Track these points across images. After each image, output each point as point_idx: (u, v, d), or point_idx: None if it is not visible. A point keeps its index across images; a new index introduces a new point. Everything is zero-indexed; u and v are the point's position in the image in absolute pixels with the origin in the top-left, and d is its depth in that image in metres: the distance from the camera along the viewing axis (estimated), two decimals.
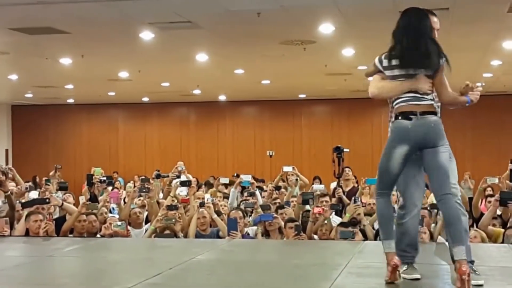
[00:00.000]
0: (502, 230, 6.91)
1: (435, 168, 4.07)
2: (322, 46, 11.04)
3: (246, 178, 9.44)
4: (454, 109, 4.41)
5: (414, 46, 4.07)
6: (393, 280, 4.08)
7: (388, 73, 4.17)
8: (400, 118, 4.09)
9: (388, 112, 4.40)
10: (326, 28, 9.71)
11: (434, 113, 4.11)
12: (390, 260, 4.08)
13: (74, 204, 8.07)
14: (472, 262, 4.07)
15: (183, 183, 8.38)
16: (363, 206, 8.30)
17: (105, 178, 9.13)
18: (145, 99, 21.22)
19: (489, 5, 8.57)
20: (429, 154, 4.07)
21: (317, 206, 7.26)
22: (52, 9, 8.49)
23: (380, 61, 4.20)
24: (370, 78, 4.36)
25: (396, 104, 4.15)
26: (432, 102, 4.14)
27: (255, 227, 7.25)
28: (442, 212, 4.11)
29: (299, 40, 10.69)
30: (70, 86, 17.49)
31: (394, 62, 4.12)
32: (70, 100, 21.67)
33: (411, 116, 4.04)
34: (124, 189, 13.79)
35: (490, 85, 17.07)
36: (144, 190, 8.17)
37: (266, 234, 7.03)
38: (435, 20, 4.25)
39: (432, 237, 6.46)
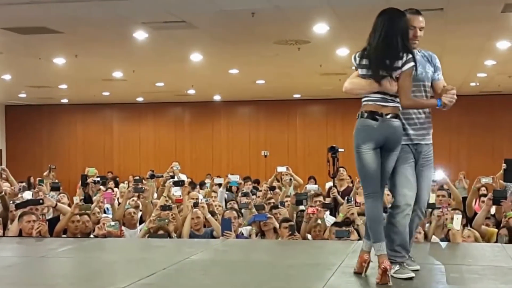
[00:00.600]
0: (496, 230, 6.92)
1: (383, 171, 4.22)
2: (316, 46, 11.05)
3: (234, 178, 9.53)
4: (445, 110, 4.37)
5: (383, 48, 4.12)
6: (383, 282, 4.08)
7: (360, 71, 4.25)
8: (366, 117, 4.18)
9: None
10: (321, 28, 9.72)
11: (399, 117, 4.18)
12: (381, 263, 4.09)
13: (68, 205, 8.05)
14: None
15: (176, 183, 8.37)
16: (357, 206, 8.30)
17: (99, 179, 9.11)
18: (140, 99, 21.19)
19: (483, 6, 8.59)
20: (383, 156, 4.20)
21: (311, 206, 7.26)
22: (45, 9, 8.48)
23: (355, 58, 4.29)
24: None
25: (364, 102, 4.24)
26: (399, 105, 4.18)
27: (249, 227, 7.25)
28: (372, 208, 4.21)
29: (293, 40, 10.70)
30: (64, 86, 17.46)
31: (364, 61, 4.20)
32: (64, 100, 21.63)
33: (377, 117, 4.14)
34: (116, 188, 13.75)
35: (484, 85, 17.10)
36: (139, 190, 8.16)
37: (261, 234, 7.03)
38: (419, 19, 4.29)
39: (426, 237, 6.46)
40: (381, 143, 4.16)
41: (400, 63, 4.10)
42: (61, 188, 9.86)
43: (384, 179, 4.27)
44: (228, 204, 8.72)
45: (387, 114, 4.14)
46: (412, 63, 4.13)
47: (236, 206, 8.16)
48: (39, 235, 6.42)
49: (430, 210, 7.09)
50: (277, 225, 6.95)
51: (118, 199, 10.42)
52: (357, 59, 4.25)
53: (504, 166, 8.08)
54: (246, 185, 11.91)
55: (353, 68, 4.36)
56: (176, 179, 9.24)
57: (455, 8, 8.61)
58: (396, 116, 4.17)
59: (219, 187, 10.25)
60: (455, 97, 4.27)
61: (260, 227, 7.05)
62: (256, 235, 7.09)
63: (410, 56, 4.13)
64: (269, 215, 7.07)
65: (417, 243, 6.12)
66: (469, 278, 4.50)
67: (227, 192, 10.96)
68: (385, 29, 4.14)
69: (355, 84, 4.27)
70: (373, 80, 4.14)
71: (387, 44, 4.11)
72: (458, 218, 6.12)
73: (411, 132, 4.35)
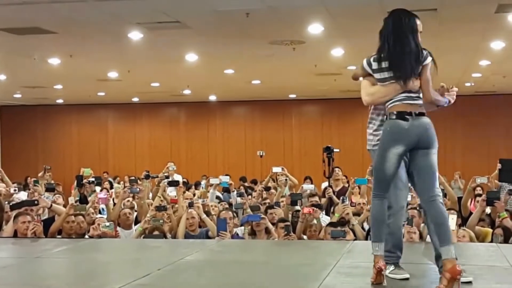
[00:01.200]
0: (491, 229, 6.94)
1: (426, 170, 4.09)
2: (311, 46, 11.05)
3: (225, 179, 9.57)
4: (431, 111, 4.36)
5: (402, 47, 4.07)
6: (378, 282, 4.08)
7: (377, 75, 4.16)
8: (395, 118, 4.07)
9: (369, 113, 4.43)
10: (315, 28, 9.72)
11: (426, 115, 4.13)
12: (376, 262, 4.09)
13: (64, 205, 8.03)
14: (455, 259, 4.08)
15: (170, 183, 8.37)
16: (352, 206, 8.31)
17: (94, 179, 9.10)
18: (135, 99, 21.16)
19: (476, 6, 8.59)
20: (420, 155, 4.09)
21: (307, 206, 7.27)
22: (39, 9, 8.45)
23: (369, 64, 4.20)
24: (361, 79, 4.34)
25: (390, 104, 4.14)
26: (422, 102, 4.14)
27: (242, 227, 7.25)
28: (430, 212, 4.08)
29: (288, 40, 10.69)
30: (59, 87, 17.41)
31: (383, 64, 4.12)
32: (59, 101, 21.57)
33: (407, 116, 4.04)
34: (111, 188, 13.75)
35: (479, 85, 17.12)
36: (135, 191, 8.15)
37: (253, 234, 7.03)
38: (418, 23, 4.26)
39: (421, 237, 6.46)
40: (414, 143, 4.06)
41: (419, 59, 4.08)
42: (56, 189, 9.86)
43: (422, 180, 4.13)
44: (220, 204, 8.73)
45: (416, 113, 4.07)
46: (430, 58, 4.11)
47: (227, 207, 8.16)
48: (34, 235, 6.41)
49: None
50: (270, 226, 6.96)
51: (113, 199, 10.41)
52: (374, 63, 4.16)
53: (499, 166, 8.13)
54: (241, 186, 11.92)
55: (366, 73, 4.24)
56: (170, 179, 9.25)
57: (449, 9, 8.61)
58: (425, 114, 4.10)
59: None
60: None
61: (252, 228, 7.06)
62: (249, 236, 7.10)
63: (426, 51, 4.12)
64: (262, 216, 7.06)
65: (412, 243, 6.15)
66: (463, 278, 4.43)
67: (223, 193, 10.99)
68: (401, 29, 4.12)
69: (377, 94, 4.17)
70: (395, 82, 4.08)
71: (406, 43, 4.08)
72: (453, 218, 6.12)
73: None
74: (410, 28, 4.12)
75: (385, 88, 4.12)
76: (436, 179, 4.10)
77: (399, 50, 4.07)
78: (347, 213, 7.09)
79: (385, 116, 4.23)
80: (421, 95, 4.13)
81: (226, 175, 10.68)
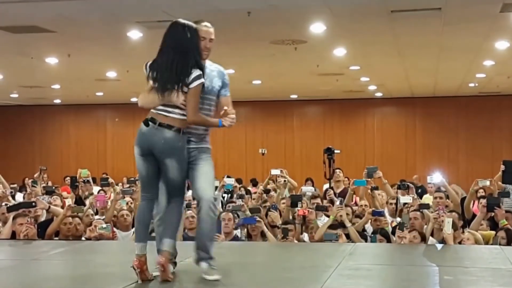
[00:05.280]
0: (493, 232, 6.91)
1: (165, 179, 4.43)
2: (313, 46, 10.99)
3: (229, 181, 9.47)
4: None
5: (171, 63, 4.25)
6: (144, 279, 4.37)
7: (150, 82, 4.36)
8: (143, 121, 4.38)
9: None
10: (317, 27, 9.66)
11: (172, 128, 4.31)
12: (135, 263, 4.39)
13: (62, 207, 7.98)
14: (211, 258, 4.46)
15: None
16: (355, 206, 8.25)
17: (89, 179, 9.03)
18: (134, 99, 21.05)
19: (481, 5, 8.55)
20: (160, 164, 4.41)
21: (304, 208, 7.26)
22: (37, 8, 8.40)
23: (146, 69, 4.40)
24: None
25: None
26: (178, 117, 4.31)
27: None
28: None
29: (290, 39, 10.63)
30: (56, 86, 17.36)
31: (154, 74, 4.32)
32: (57, 101, 21.51)
33: (149, 123, 4.33)
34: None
35: (483, 85, 17.07)
36: (127, 192, 8.08)
37: (249, 237, 6.97)
38: (210, 31, 4.46)
39: (423, 239, 6.40)
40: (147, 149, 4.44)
41: (185, 80, 4.25)
42: (55, 191, 9.77)
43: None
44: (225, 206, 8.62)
45: (160, 124, 4.33)
46: (199, 81, 4.29)
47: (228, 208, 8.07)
48: (27, 238, 6.35)
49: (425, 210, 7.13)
50: (265, 229, 6.90)
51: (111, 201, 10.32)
52: (147, 70, 4.36)
53: (502, 167, 8.10)
54: (240, 187, 11.82)
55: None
56: None
57: (453, 8, 8.56)
58: (170, 127, 4.32)
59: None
60: (235, 120, 4.55)
61: (248, 231, 7.00)
62: (245, 238, 7.05)
63: (198, 73, 4.29)
64: (258, 219, 6.98)
65: (414, 245, 6.12)
66: (466, 280, 4.52)
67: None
68: (177, 45, 4.29)
69: (145, 100, 4.42)
70: (161, 93, 4.27)
71: (178, 60, 4.26)
72: (449, 222, 6.19)
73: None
74: (188, 44, 4.31)
75: (151, 97, 4.33)
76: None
77: (168, 67, 4.25)
78: (341, 215, 7.01)
79: None
80: (179, 110, 4.31)
81: (228, 176, 10.56)
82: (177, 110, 4.30)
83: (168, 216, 4.50)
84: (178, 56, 4.27)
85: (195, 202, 7.99)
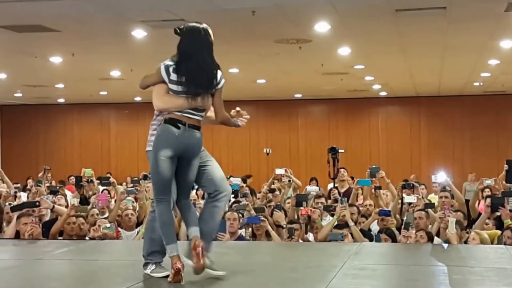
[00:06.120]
0: (499, 231, 6.89)
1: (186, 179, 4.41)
2: (318, 45, 10.97)
3: (236, 181, 9.45)
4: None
5: (204, 67, 4.25)
6: (177, 280, 4.28)
7: (173, 87, 4.26)
8: (168, 123, 4.24)
9: (155, 115, 4.46)
10: (322, 26, 9.63)
11: (199, 129, 4.35)
12: (174, 264, 4.28)
13: (66, 206, 7.97)
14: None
15: None
16: (361, 207, 8.23)
17: (93, 179, 9.02)
18: (138, 98, 21.04)
19: (486, 4, 8.52)
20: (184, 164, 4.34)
21: (307, 208, 7.25)
22: (41, 6, 8.39)
23: (168, 73, 4.28)
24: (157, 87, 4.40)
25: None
26: (200, 118, 4.33)
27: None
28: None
29: (294, 38, 10.61)
30: (60, 86, 17.34)
31: (182, 78, 4.23)
32: (61, 100, 21.50)
33: (179, 125, 4.23)
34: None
35: (488, 84, 17.03)
36: (132, 192, 8.07)
37: (254, 236, 6.96)
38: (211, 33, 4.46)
39: (430, 239, 6.38)
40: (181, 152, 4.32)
41: (215, 81, 4.30)
42: (60, 190, 9.76)
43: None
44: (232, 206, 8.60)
45: (190, 125, 4.28)
46: (223, 80, 4.36)
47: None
48: (31, 237, 6.34)
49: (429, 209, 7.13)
50: (270, 229, 6.88)
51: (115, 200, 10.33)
52: (173, 74, 4.26)
53: (506, 167, 8.07)
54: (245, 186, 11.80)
55: (161, 80, 4.35)
56: None
57: (458, 7, 8.53)
58: (199, 128, 4.34)
59: None
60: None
61: (252, 230, 6.99)
62: (249, 238, 7.03)
63: (221, 73, 4.33)
64: (262, 218, 6.97)
65: (420, 244, 6.10)
66: (471, 280, 4.50)
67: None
68: (204, 47, 4.30)
69: (171, 104, 4.29)
70: (190, 97, 4.22)
71: (206, 63, 4.28)
72: (452, 222, 6.17)
73: None
74: (210, 46, 4.33)
75: (179, 100, 4.23)
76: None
77: (199, 70, 4.23)
78: (344, 215, 6.98)
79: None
80: (204, 112, 4.35)
81: (230, 176, 10.54)
82: (201, 113, 4.32)
83: (188, 212, 4.49)
84: (208, 59, 4.28)
85: (200, 201, 8.07)
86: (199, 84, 4.21)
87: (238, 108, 4.55)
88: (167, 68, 4.28)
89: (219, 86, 4.32)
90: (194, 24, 4.37)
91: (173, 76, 4.23)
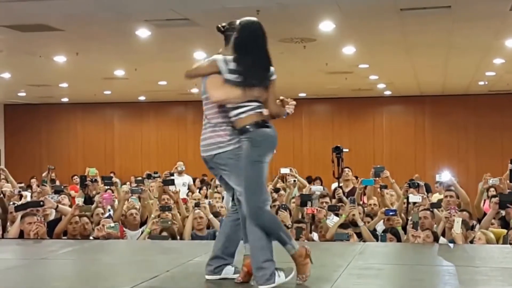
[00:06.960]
0: (504, 230, 6.87)
1: None
2: (322, 44, 10.96)
3: None
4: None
5: (263, 60, 4.25)
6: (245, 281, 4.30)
7: (230, 77, 4.18)
8: (261, 127, 4.17)
9: (214, 116, 4.29)
10: (326, 25, 9.63)
11: None
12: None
13: (70, 206, 7.96)
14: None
15: (165, 182, 8.25)
16: (365, 207, 8.20)
17: (97, 178, 9.00)
18: (142, 98, 21.08)
19: (491, 3, 8.52)
20: None
21: (312, 207, 7.22)
22: (45, 6, 8.41)
23: (226, 63, 4.23)
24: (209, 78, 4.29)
25: (242, 112, 4.17)
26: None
27: None
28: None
29: (299, 38, 10.60)
30: (64, 85, 17.35)
31: (240, 69, 4.19)
32: (65, 99, 21.50)
33: (268, 124, 4.21)
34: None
35: (493, 83, 17.00)
36: (136, 191, 8.06)
37: None
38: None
39: (435, 238, 6.36)
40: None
41: (270, 73, 4.28)
42: (64, 190, 9.76)
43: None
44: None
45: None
46: (275, 75, 4.32)
47: None
48: (37, 236, 6.34)
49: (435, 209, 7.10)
50: None
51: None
52: (231, 64, 4.22)
53: (510, 166, 8.03)
54: None
55: (217, 71, 4.26)
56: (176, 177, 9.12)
57: (463, 6, 8.53)
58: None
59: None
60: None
61: None
62: None
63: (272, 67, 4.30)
64: None
65: (426, 244, 6.09)
66: (476, 280, 4.50)
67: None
68: (260, 40, 4.27)
69: (231, 94, 4.17)
70: (248, 88, 4.16)
71: (264, 55, 4.27)
72: (458, 222, 6.15)
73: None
74: (266, 40, 4.29)
75: (238, 91, 4.14)
76: None
77: (258, 61, 4.23)
78: (354, 214, 6.97)
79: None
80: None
81: None
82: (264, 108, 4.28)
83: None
84: (263, 53, 4.28)
85: (205, 201, 8.07)
86: (255, 76, 4.19)
87: (282, 97, 4.45)
88: (224, 59, 4.26)
89: (273, 77, 4.29)
90: (250, 19, 4.37)
91: (232, 65, 4.20)
